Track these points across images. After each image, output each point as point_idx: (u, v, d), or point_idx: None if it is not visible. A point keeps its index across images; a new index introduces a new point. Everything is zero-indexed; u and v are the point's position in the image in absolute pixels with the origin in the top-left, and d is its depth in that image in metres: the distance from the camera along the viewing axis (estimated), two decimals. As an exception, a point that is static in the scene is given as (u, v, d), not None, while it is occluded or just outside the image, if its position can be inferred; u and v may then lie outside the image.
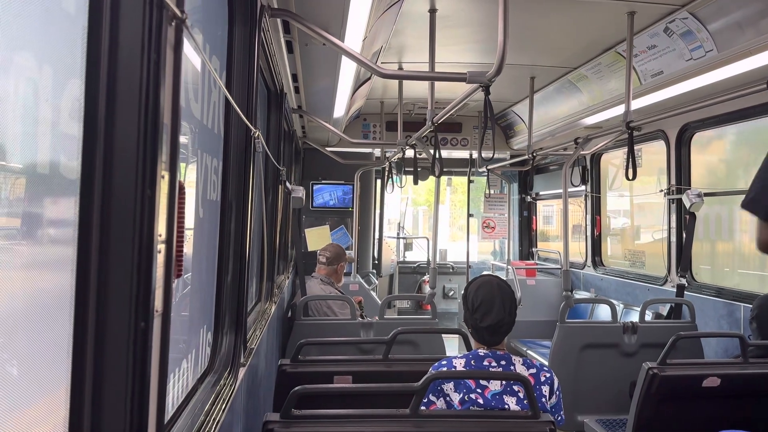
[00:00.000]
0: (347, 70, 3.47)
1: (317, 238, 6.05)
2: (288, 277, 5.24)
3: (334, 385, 2.65)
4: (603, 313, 5.31)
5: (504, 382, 2.29)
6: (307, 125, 5.82)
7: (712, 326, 4.25)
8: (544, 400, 2.33)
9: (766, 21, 2.97)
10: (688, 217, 4.38)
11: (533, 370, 2.36)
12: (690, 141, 4.64)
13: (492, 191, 7.50)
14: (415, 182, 5.20)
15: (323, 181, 7.22)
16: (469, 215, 7.92)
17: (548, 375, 2.38)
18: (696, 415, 3.08)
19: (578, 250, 6.45)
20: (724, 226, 4.79)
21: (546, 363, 4.30)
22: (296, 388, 2.01)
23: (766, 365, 3.06)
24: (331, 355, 3.15)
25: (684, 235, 4.50)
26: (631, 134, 3.64)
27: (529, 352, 5.58)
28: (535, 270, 6.83)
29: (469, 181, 7.83)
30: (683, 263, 4.46)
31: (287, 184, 3.93)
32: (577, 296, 6.21)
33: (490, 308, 2.36)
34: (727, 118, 4.16)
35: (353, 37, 2.83)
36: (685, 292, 4.42)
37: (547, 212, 8.31)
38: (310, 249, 6.03)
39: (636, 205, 6.05)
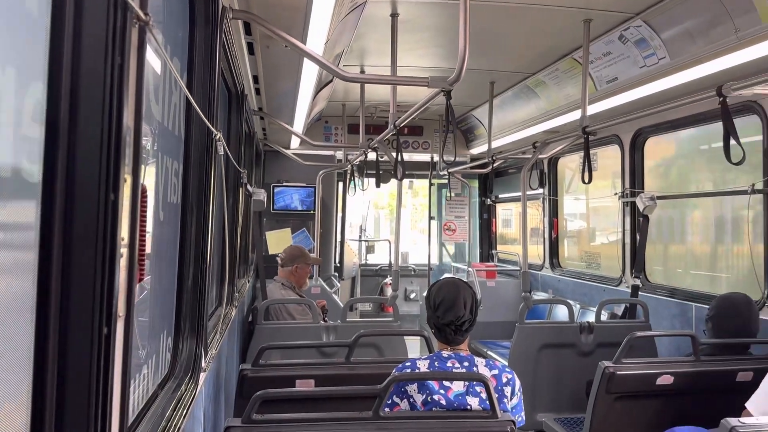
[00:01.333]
0: (309, 73, 3.47)
1: (278, 241, 6.01)
2: (249, 281, 5.19)
3: (295, 389, 2.64)
4: (561, 313, 5.41)
5: (467, 383, 2.32)
6: (269, 127, 5.78)
7: (665, 325, 4.39)
8: (505, 400, 2.37)
9: (716, 30, 3.09)
10: (641, 219, 4.51)
11: (496, 371, 2.40)
12: (643, 146, 4.78)
13: (453, 194, 7.59)
14: (378, 185, 5.22)
15: (285, 184, 7.17)
16: (431, 218, 7.99)
17: (510, 376, 2.42)
18: (650, 412, 3.18)
19: (537, 252, 6.57)
20: (676, 229, 4.96)
21: (506, 363, 4.38)
22: (258, 392, 1.99)
23: (717, 363, 3.18)
24: (293, 360, 3.14)
25: (638, 237, 4.63)
26: (586, 139, 3.73)
27: (489, 352, 5.65)
28: (495, 272, 6.92)
29: (431, 185, 7.91)
30: (637, 264, 4.59)
31: (248, 186, 3.89)
32: (535, 297, 6.33)
33: (452, 305, 2.40)
34: (679, 123, 4.31)
35: (315, 40, 2.83)
36: (639, 293, 4.55)
37: (507, 215, 8.43)
38: (271, 252, 5.98)
39: (592, 208, 6.21)
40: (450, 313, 2.40)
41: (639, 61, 3.68)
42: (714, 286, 4.37)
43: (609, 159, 5.36)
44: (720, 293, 3.55)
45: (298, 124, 4.97)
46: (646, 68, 3.65)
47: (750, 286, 3.70)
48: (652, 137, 4.79)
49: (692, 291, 4.31)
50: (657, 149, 4.97)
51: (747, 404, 2.65)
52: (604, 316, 4.65)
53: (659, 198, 4.59)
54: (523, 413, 2.46)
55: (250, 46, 3.22)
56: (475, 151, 7.06)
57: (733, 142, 2.64)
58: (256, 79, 3.85)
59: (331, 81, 4.44)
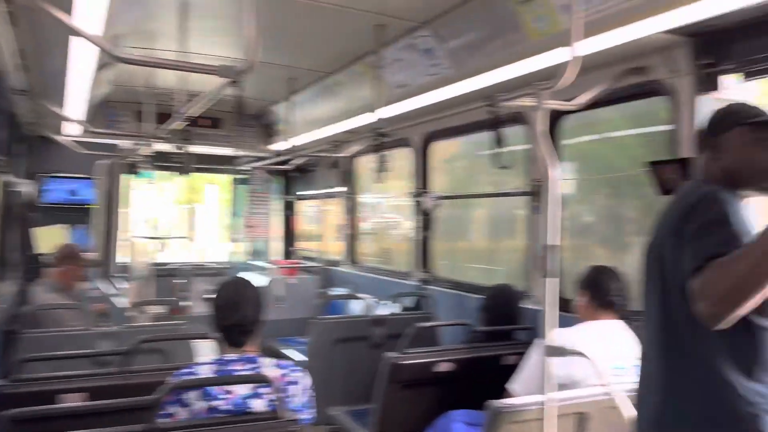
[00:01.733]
0: (80, 50, 3.12)
1: (50, 239, 5.37)
2: (14, 284, 4.56)
3: (54, 406, 2.35)
4: (359, 307, 5.56)
5: (252, 385, 2.26)
6: (39, 110, 5.13)
7: (447, 315, 4.72)
8: (293, 399, 2.35)
9: (491, 45, 3.38)
10: (428, 217, 4.82)
11: (282, 371, 2.37)
12: (431, 149, 5.10)
13: (255, 190, 7.43)
14: (170, 178, 4.91)
15: (59, 174, 6.41)
16: (233, 214, 7.75)
17: (298, 374, 2.40)
18: (432, 398, 3.39)
19: (339, 249, 6.71)
20: (462, 227, 5.37)
21: (305, 359, 4.38)
22: (6, 411, 1.74)
23: (488, 349, 3.48)
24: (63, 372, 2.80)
25: (426, 234, 4.93)
26: (380, 140, 3.87)
27: (288, 349, 5.63)
28: (296, 269, 6.92)
29: (233, 180, 7.67)
30: (425, 259, 4.89)
31: (9, 177, 3.40)
32: (335, 293, 6.45)
33: (236, 306, 2.33)
34: (462, 129, 4.66)
35: (87, 14, 2.55)
36: (427, 286, 4.85)
37: (310, 212, 8.49)
38: (42, 251, 5.33)
39: (388, 206, 6.49)
40: (234, 314, 2.32)
41: (427, 69, 3.90)
42: (492, 278, 4.79)
43: (404, 160, 5.63)
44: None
45: (73, 108, 4.47)
46: (433, 77, 3.89)
47: (522, 279, 4.14)
48: (441, 141, 5.13)
49: (471, 283, 4.70)
50: (447, 152, 5.34)
51: (508, 386, 2.94)
52: (395, 309, 4.87)
53: (443, 198, 4.94)
54: (313, 410, 2.46)
55: (11, 15, 2.81)
56: (277, 147, 6.99)
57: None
58: (21, 54, 3.38)
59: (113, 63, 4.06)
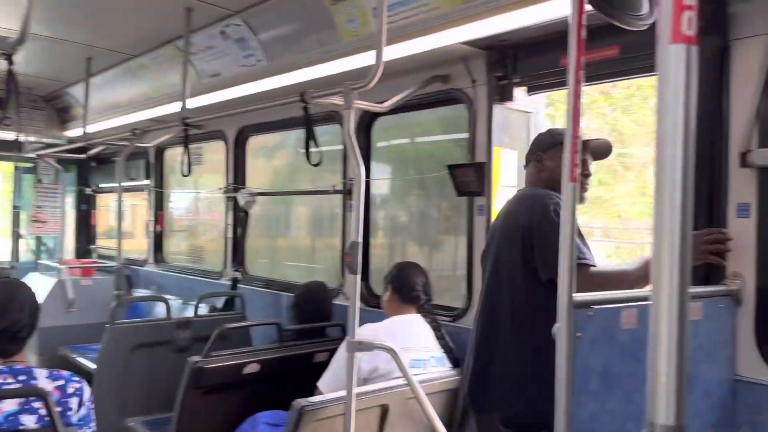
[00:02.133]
0: None
1: None
2: None
3: None
4: (163, 310, 5.22)
5: (20, 400, 1.98)
6: None
7: (261, 315, 4.61)
8: (70, 413, 2.10)
9: (306, 40, 3.35)
10: (242, 214, 4.66)
11: (60, 382, 2.11)
12: (246, 143, 4.95)
13: (43, 181, 6.64)
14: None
15: None
16: (15, 207, 6.83)
17: (78, 386, 2.16)
18: (238, 402, 3.27)
19: (143, 247, 6.25)
20: (280, 224, 5.26)
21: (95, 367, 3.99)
22: None
23: (299, 347, 3.44)
24: None
25: (239, 231, 4.77)
26: (186, 130, 3.65)
27: (79, 359, 5.09)
28: (93, 269, 6.31)
29: (16, 168, 6.76)
30: (237, 258, 4.73)
31: None
32: (136, 294, 5.99)
33: (5, 309, 2.03)
34: (278, 125, 4.58)
35: None
36: (239, 285, 4.70)
37: (116, 207, 7.80)
38: None
39: (199, 202, 6.18)
40: (2, 318, 2.02)
41: (240, 59, 3.77)
42: (312, 277, 4.76)
43: (218, 154, 5.40)
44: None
45: None
46: (247, 68, 3.77)
47: (336, 276, 4.17)
48: (258, 135, 5.00)
49: (285, 281, 4.64)
50: (266, 147, 5.22)
51: (318, 383, 2.93)
52: (204, 310, 4.65)
53: (262, 194, 4.83)
54: (93, 424, 2.23)
55: None
56: (72, 133, 6.32)
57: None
58: None
59: None
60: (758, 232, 2.29)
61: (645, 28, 1.72)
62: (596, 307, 1.74)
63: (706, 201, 2.37)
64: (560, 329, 1.46)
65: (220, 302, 4.77)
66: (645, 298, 1.82)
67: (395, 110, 3.40)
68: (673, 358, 0.77)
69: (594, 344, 1.75)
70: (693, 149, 0.78)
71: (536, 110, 3.24)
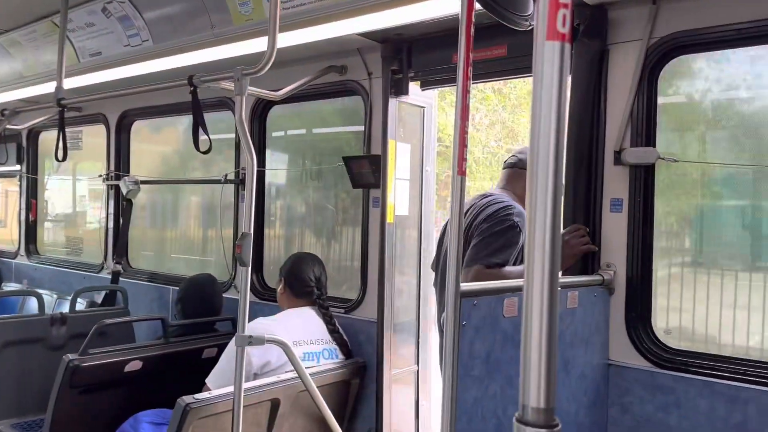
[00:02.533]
0: None
1: None
2: None
3: None
4: (36, 306, 4.85)
5: None
6: None
7: (145, 310, 4.40)
8: None
9: (195, 23, 3.20)
10: (125, 203, 4.41)
11: None
12: (130, 128, 4.69)
13: None
14: None
15: None
16: None
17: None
18: (120, 402, 3.09)
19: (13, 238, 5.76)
20: (169, 214, 5.02)
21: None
22: None
23: (186, 343, 3.31)
24: None
25: (122, 221, 4.51)
26: (62, 112, 3.39)
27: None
28: (-47, 262, 5.76)
29: None
30: (119, 250, 4.47)
31: None
32: (6, 289, 5.54)
33: None
34: (163, 110, 4.37)
35: None
36: (121, 279, 4.44)
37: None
38: None
39: (79, 190, 5.78)
40: None
41: (123, 39, 3.55)
42: (199, 270, 4.59)
43: (100, 138, 5.07)
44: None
45: None
46: (131, 48, 3.55)
47: (228, 269, 4.04)
48: (145, 120, 4.74)
49: (171, 275, 4.45)
50: (155, 133, 4.95)
51: (207, 380, 2.83)
52: (81, 306, 4.36)
53: (147, 183, 4.58)
54: None
55: None
56: (-69, 112, 5.70)
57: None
58: None
59: None
60: (629, 225, 2.46)
61: (530, 28, 1.79)
62: (481, 296, 1.80)
63: (584, 197, 2.52)
64: (447, 318, 1.49)
65: (99, 297, 4.49)
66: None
67: (291, 99, 3.35)
68: (544, 345, 0.80)
69: (478, 332, 1.81)
70: (564, 142, 0.81)
71: (430, 105, 3.30)
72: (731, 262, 2.45)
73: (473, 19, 1.45)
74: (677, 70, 2.47)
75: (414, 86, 3.14)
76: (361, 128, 3.32)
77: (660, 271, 2.51)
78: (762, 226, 2.41)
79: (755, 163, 2.35)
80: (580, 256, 2.48)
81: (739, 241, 2.45)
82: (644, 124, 2.43)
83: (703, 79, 2.46)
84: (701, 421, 2.26)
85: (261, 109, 3.81)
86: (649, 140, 2.44)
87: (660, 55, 2.41)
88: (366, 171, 3.15)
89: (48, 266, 5.37)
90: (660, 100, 2.46)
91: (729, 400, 2.21)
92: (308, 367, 2.74)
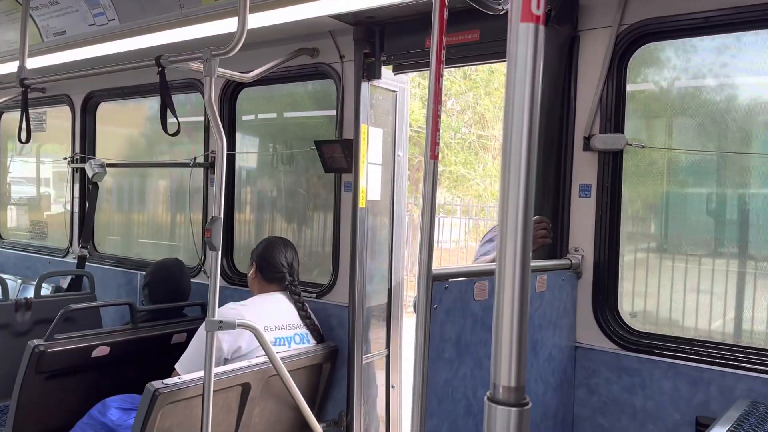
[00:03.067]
0: None
1: None
2: None
3: None
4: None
5: None
6: None
7: (112, 295, 4.33)
8: None
9: (163, 2, 3.13)
10: (91, 187, 4.32)
11: None
12: (96, 110, 4.57)
13: None
14: None
15: None
16: None
17: None
18: (86, 386, 3.05)
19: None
20: (135, 198, 4.92)
21: None
22: None
23: (154, 328, 3.27)
24: None
25: (89, 205, 4.42)
26: (25, 92, 3.30)
27: None
28: None
29: None
30: (85, 234, 4.39)
31: None
32: (-34, 274, 5.39)
33: None
34: (129, 91, 4.27)
35: None
36: (87, 263, 4.36)
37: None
38: None
39: (43, 173, 5.64)
40: None
41: (88, 18, 3.45)
42: (167, 254, 4.53)
43: (65, 120, 4.94)
44: (161, 260, 3.70)
45: None
46: (96, 27, 3.46)
47: (198, 254, 3.99)
48: (111, 102, 4.63)
49: (138, 259, 4.38)
50: (123, 115, 4.84)
51: (176, 365, 2.81)
52: (47, 291, 4.27)
53: (113, 165, 4.48)
54: None
55: None
56: None
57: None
58: None
59: None
60: (597, 211, 2.50)
61: (503, 12, 1.79)
62: (452, 280, 1.82)
63: (554, 182, 2.55)
64: (419, 301, 1.50)
65: (65, 282, 4.40)
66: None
67: (262, 82, 3.30)
68: (515, 327, 0.81)
69: (449, 315, 1.82)
70: (537, 125, 0.81)
71: (402, 89, 3.29)
72: (695, 247, 2.51)
73: (446, 3, 1.44)
74: (646, 57, 2.51)
75: (386, 70, 3.13)
76: (333, 112, 3.30)
77: (626, 255, 2.56)
78: (725, 212, 2.47)
79: (720, 149, 2.41)
80: (535, 248, 2.50)
81: (704, 228, 2.51)
82: (613, 111, 2.47)
83: (670, 68, 2.50)
84: (665, 402, 2.33)
85: (231, 92, 3.75)
86: (618, 127, 2.47)
87: (629, 42, 2.44)
88: (338, 155, 3.14)
89: (12, 251, 5.24)
90: (629, 87, 2.50)
91: (692, 381, 2.28)
92: (279, 352, 2.74)
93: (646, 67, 2.53)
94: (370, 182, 3.16)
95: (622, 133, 2.46)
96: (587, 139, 2.49)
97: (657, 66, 2.53)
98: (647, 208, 2.62)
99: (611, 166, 2.48)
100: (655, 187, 2.59)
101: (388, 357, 3.30)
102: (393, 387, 3.30)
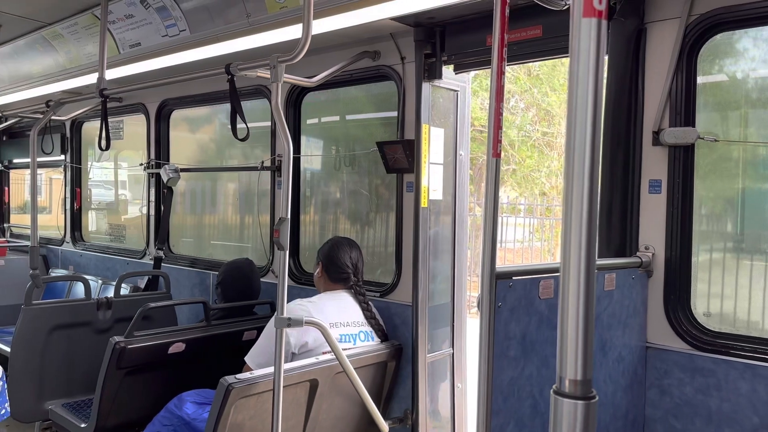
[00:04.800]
0: None
1: None
2: None
3: None
4: (83, 291, 5.03)
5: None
6: None
7: (186, 294, 4.52)
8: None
9: (231, 11, 3.25)
10: (166, 191, 4.52)
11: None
12: (169, 117, 4.78)
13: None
14: None
15: None
16: None
17: (-14, 367, 2.06)
18: (164, 382, 3.20)
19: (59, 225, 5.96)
20: (207, 201, 5.12)
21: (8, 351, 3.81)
22: None
23: (226, 326, 3.40)
24: None
25: (162, 209, 4.62)
26: (104, 102, 3.49)
27: (-8, 342, 4.86)
28: (6, 249, 5.98)
29: None
30: (160, 236, 4.59)
31: None
32: (53, 275, 5.74)
33: None
34: (201, 99, 4.44)
35: None
36: (163, 264, 4.56)
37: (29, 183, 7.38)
38: None
39: (121, 178, 5.94)
40: None
41: (161, 29, 3.62)
42: (237, 255, 4.69)
43: (140, 128, 5.20)
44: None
45: None
46: (168, 38, 3.62)
47: (265, 254, 4.11)
48: (183, 109, 4.83)
49: (211, 260, 4.55)
50: (193, 122, 5.04)
51: (246, 358, 2.91)
52: (125, 291, 4.50)
53: (186, 170, 4.68)
54: (7, 405, 2.14)
55: None
56: (-19, 105, 5.92)
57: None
58: None
59: None
60: (668, 207, 2.43)
61: (566, 8, 1.78)
62: (516, 278, 1.81)
63: (622, 177, 2.49)
64: (482, 299, 1.51)
65: (142, 282, 4.63)
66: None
67: (325, 86, 3.38)
68: (581, 320, 0.81)
69: (513, 313, 1.82)
70: (601, 120, 0.81)
71: (463, 88, 3.29)
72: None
73: (508, 0, 1.45)
74: (718, 47, 2.41)
75: (447, 70, 3.13)
76: (394, 114, 3.33)
77: (700, 255, 2.47)
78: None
79: (800, 141, 2.29)
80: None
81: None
82: (683, 104, 2.39)
83: (747, 58, 2.40)
84: (743, 404, 2.24)
85: (296, 96, 3.85)
86: (689, 120, 2.39)
87: (699, 33, 2.36)
88: (400, 156, 3.17)
89: (92, 253, 5.54)
90: (699, 79, 2.41)
91: (771, 383, 2.18)
92: (345, 349, 2.79)
93: (718, 58, 2.44)
94: (432, 182, 3.17)
95: (693, 126, 2.38)
96: (656, 134, 2.42)
97: (731, 56, 2.43)
98: (722, 205, 2.52)
99: (682, 160, 2.40)
100: (729, 182, 2.48)
101: (452, 356, 3.30)
102: (458, 386, 3.31)
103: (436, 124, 3.20)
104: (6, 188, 6.92)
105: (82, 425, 3.25)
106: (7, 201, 6.95)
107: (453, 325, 3.28)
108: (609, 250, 2.48)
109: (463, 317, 3.31)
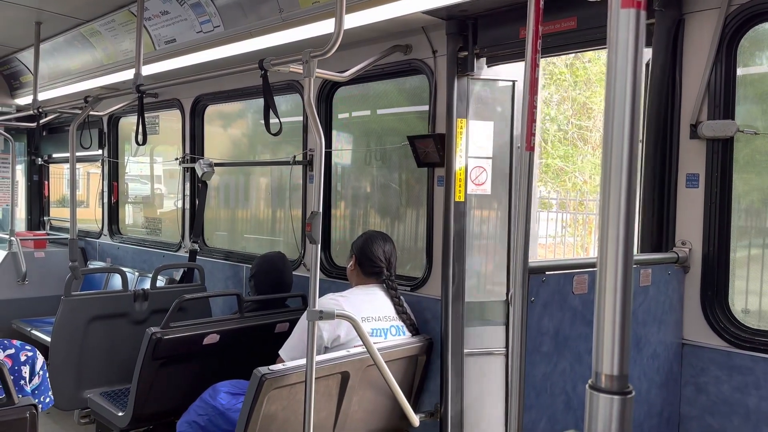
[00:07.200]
0: None
1: None
2: None
3: None
4: (119, 282, 5.15)
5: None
6: None
7: (220, 287, 4.59)
8: (23, 383, 2.07)
9: (264, 7, 3.28)
10: (200, 185, 4.59)
11: (11, 351, 2.08)
12: (203, 112, 4.85)
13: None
14: None
15: None
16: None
17: (30, 354, 2.13)
18: (197, 372, 3.27)
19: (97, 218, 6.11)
20: (240, 195, 5.19)
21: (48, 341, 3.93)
22: None
23: (259, 318, 3.45)
24: None
25: (197, 202, 4.70)
26: (141, 98, 3.56)
27: (33, 331, 5.01)
28: (46, 241, 6.16)
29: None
30: (195, 229, 4.67)
31: None
32: (91, 266, 5.88)
33: None
34: (234, 94, 4.50)
35: None
36: (198, 257, 4.64)
37: (68, 177, 7.58)
38: None
39: (156, 173, 6.05)
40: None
41: (196, 25, 3.67)
42: (269, 248, 4.74)
43: (175, 123, 5.29)
44: (265, 254, 3.88)
45: None
46: (203, 34, 3.67)
47: (297, 248, 4.15)
48: (216, 105, 4.89)
49: (244, 253, 4.61)
50: (226, 117, 5.11)
51: (280, 351, 2.95)
52: (161, 283, 4.60)
53: (220, 165, 4.75)
54: (50, 393, 2.21)
55: None
56: (22, 101, 6.09)
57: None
58: None
59: None
60: (706, 202, 2.38)
61: (601, -1, 1.75)
62: (549, 273, 1.80)
63: (659, 171, 2.45)
64: (515, 294, 1.51)
65: (178, 274, 4.72)
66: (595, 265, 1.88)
67: (356, 80, 3.38)
68: (618, 315, 0.81)
69: (546, 308, 1.81)
70: (641, 112, 0.80)
71: (519, 79, 3.19)
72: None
73: (542, -8, 1.43)
74: (759, 38, 2.35)
75: (482, 63, 3.10)
76: (425, 108, 3.32)
77: (738, 251, 2.41)
78: None
79: None
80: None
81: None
82: (722, 96, 2.33)
83: (788, 47, 2.33)
84: (782, 403, 2.19)
85: (327, 91, 3.87)
86: (728, 113, 2.34)
87: (739, 24, 2.29)
88: (431, 150, 3.16)
89: (129, 245, 5.67)
90: (739, 71, 2.35)
91: (813, 383, 2.12)
92: (376, 343, 2.81)
93: (758, 49, 2.38)
94: (473, 176, 3.13)
95: (733, 119, 2.32)
96: (694, 127, 2.37)
97: (772, 46, 2.37)
98: (761, 200, 2.45)
99: (720, 154, 2.35)
100: (771, 176, 2.42)
101: (507, 356, 3.24)
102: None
103: (480, 118, 3.14)
104: (46, 182, 7.12)
105: (120, 414, 3.33)
106: (46, 195, 7.15)
107: (507, 324, 3.20)
108: (645, 245, 2.44)
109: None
